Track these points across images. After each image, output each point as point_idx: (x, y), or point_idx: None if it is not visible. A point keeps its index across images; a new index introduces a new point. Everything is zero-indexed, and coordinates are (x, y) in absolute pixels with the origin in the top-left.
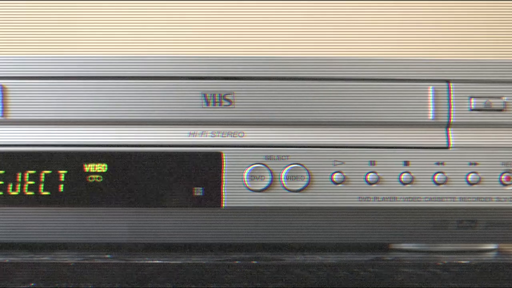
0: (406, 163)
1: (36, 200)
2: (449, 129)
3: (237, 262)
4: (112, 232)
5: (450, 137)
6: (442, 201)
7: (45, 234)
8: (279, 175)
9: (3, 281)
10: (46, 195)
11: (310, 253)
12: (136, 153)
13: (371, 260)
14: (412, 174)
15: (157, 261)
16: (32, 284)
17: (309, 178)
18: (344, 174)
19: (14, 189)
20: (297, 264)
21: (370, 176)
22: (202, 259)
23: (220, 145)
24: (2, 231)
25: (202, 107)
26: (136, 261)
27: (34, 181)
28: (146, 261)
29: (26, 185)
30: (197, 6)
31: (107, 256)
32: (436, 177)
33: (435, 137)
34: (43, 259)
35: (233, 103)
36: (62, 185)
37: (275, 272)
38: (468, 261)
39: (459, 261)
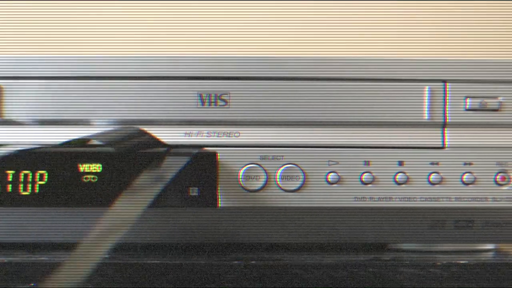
0: (400, 163)
1: (32, 200)
2: (445, 129)
3: (236, 262)
4: None
5: (446, 137)
6: (437, 201)
7: (45, 234)
8: (274, 175)
9: (3, 281)
10: (40, 195)
11: (308, 253)
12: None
13: (369, 260)
14: (407, 174)
15: (157, 261)
16: (32, 284)
17: (304, 178)
18: (339, 174)
19: (9, 189)
20: (296, 264)
21: (365, 176)
22: (202, 259)
23: (215, 145)
24: (2, 231)
25: (198, 107)
26: (136, 261)
27: (29, 181)
28: (145, 261)
29: (21, 185)
30: (195, 6)
31: (107, 256)
32: (431, 177)
33: (431, 137)
34: (43, 259)
35: (228, 103)
36: (55, 186)
37: (274, 272)
38: (466, 261)
39: (458, 261)
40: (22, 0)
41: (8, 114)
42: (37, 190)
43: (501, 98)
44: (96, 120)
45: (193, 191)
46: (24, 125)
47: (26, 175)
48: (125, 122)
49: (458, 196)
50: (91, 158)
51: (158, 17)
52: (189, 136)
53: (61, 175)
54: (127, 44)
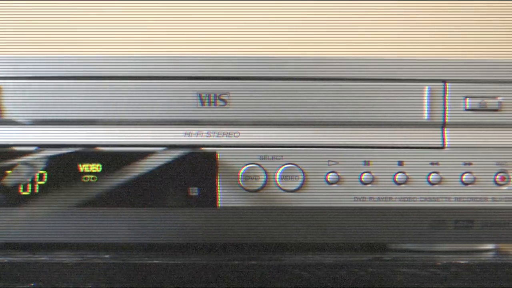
0: (400, 163)
1: (32, 201)
2: (445, 129)
3: (235, 262)
4: (111, 232)
5: (445, 137)
6: (436, 201)
7: (45, 234)
8: (274, 175)
9: (3, 281)
10: (40, 195)
11: (308, 253)
12: (131, 153)
13: (369, 260)
14: (407, 174)
15: (156, 261)
16: (32, 284)
17: (304, 178)
18: (339, 174)
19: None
20: (296, 264)
21: (364, 176)
22: (201, 259)
23: (215, 145)
24: (2, 231)
25: (197, 107)
26: (135, 261)
27: (29, 181)
28: (145, 261)
29: (21, 185)
30: (195, 6)
31: (107, 256)
32: (430, 177)
33: (430, 137)
34: (43, 259)
35: (228, 103)
36: (56, 185)
37: (273, 272)
38: (466, 261)
39: (458, 261)
40: (22, 0)
41: (8, 114)
42: (37, 190)
43: (500, 98)
44: (96, 120)
45: (193, 191)
46: (24, 125)
47: None
48: (124, 122)
49: (457, 196)
50: (90, 158)
51: (158, 17)
52: (189, 136)
53: (61, 175)
54: (127, 44)
